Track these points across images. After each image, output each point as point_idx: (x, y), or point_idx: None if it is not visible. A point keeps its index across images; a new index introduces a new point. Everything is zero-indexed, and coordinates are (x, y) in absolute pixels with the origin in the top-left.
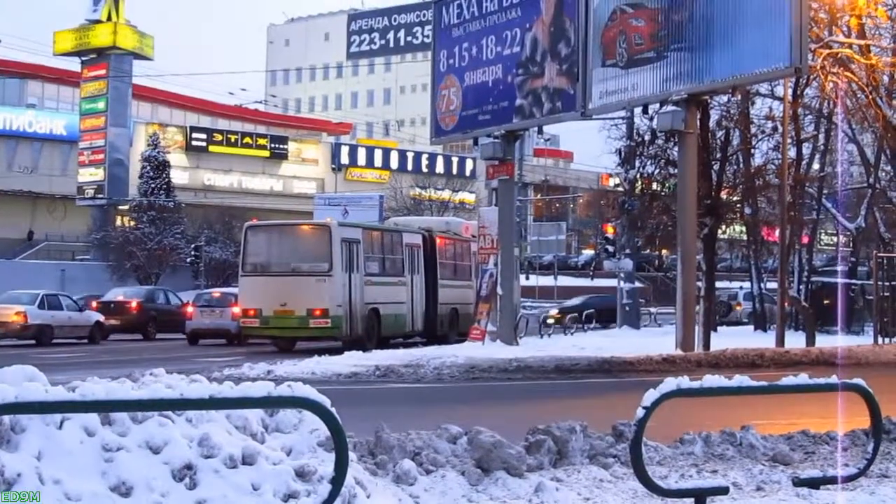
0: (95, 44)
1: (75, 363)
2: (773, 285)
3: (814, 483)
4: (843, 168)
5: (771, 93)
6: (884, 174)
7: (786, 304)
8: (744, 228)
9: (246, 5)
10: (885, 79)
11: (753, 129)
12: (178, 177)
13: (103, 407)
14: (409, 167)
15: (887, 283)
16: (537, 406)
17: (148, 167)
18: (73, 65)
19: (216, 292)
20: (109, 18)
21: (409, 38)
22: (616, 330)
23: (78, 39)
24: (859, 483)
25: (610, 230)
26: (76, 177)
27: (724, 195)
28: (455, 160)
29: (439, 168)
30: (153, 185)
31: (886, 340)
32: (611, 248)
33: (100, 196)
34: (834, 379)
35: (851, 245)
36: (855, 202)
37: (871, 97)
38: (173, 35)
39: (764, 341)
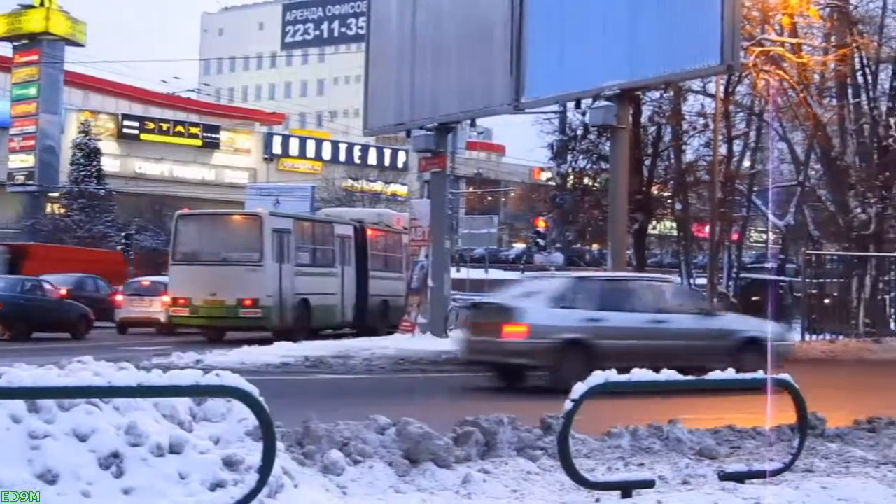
0: (28, 29)
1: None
2: (702, 281)
3: (739, 477)
4: (774, 166)
5: (703, 89)
6: (813, 172)
7: (714, 299)
8: (674, 224)
9: None
10: (817, 78)
11: (685, 126)
12: (109, 164)
13: (30, 394)
14: (342, 158)
15: (815, 281)
16: (466, 398)
17: (79, 154)
18: (5, 50)
19: (146, 281)
20: (42, 4)
21: (343, 30)
22: None
23: (10, 24)
24: (784, 478)
25: (541, 224)
26: (7, 163)
27: (655, 191)
28: (388, 152)
29: (372, 160)
30: (84, 173)
31: (814, 337)
32: (542, 242)
33: (30, 183)
34: (761, 374)
35: (781, 242)
36: (785, 200)
37: (802, 96)
38: (106, 22)
39: None
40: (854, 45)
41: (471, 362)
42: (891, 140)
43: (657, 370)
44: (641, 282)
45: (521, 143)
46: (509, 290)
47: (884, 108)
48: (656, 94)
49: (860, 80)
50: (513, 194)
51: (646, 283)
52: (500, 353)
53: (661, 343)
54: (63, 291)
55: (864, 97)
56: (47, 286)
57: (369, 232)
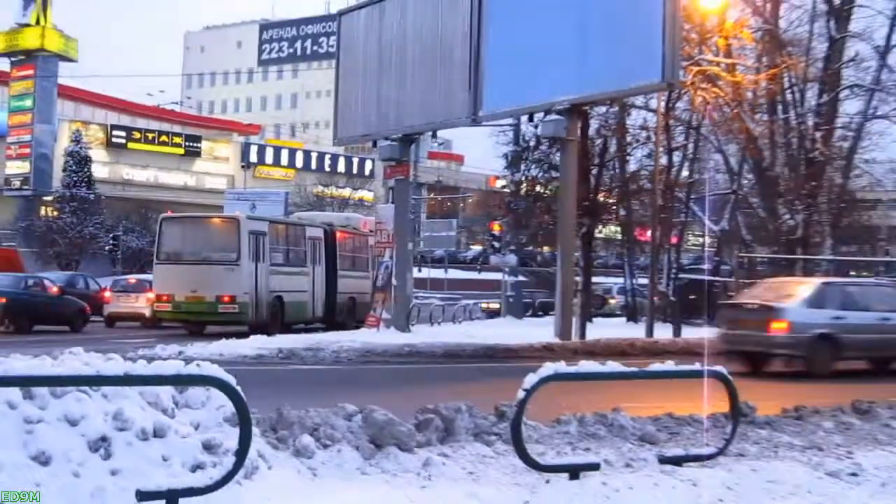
0: (24, 46)
1: None
2: (644, 281)
3: (677, 461)
4: (710, 175)
5: (645, 105)
6: (746, 182)
7: (655, 298)
8: (619, 228)
9: (165, 13)
10: (749, 95)
11: (629, 138)
12: (98, 171)
13: (25, 382)
14: (314, 166)
15: (747, 281)
16: (427, 388)
17: (71, 161)
18: (3, 65)
19: (132, 279)
20: (38, 22)
21: (315, 48)
22: (501, 319)
23: (8, 41)
24: (718, 461)
25: (496, 228)
26: (4, 169)
27: (601, 198)
28: (356, 160)
29: (341, 168)
30: (75, 179)
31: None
32: (497, 245)
33: (26, 187)
34: (698, 366)
35: (716, 246)
36: (720, 207)
37: (735, 111)
38: (97, 38)
39: (635, 332)
40: (783, 65)
41: (727, 352)
42: (816, 153)
43: (882, 359)
44: (872, 286)
45: (479, 153)
46: (760, 292)
47: (810, 124)
48: (603, 109)
49: (789, 97)
50: (470, 200)
51: (875, 286)
52: (764, 345)
53: (887, 336)
54: (55, 289)
55: (792, 113)
56: (47, 283)
57: (338, 234)
